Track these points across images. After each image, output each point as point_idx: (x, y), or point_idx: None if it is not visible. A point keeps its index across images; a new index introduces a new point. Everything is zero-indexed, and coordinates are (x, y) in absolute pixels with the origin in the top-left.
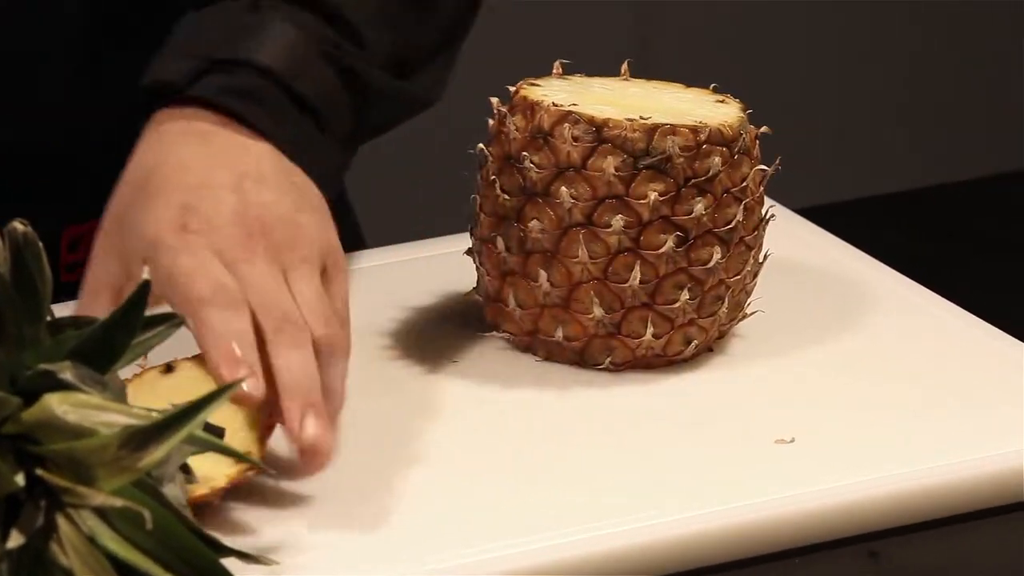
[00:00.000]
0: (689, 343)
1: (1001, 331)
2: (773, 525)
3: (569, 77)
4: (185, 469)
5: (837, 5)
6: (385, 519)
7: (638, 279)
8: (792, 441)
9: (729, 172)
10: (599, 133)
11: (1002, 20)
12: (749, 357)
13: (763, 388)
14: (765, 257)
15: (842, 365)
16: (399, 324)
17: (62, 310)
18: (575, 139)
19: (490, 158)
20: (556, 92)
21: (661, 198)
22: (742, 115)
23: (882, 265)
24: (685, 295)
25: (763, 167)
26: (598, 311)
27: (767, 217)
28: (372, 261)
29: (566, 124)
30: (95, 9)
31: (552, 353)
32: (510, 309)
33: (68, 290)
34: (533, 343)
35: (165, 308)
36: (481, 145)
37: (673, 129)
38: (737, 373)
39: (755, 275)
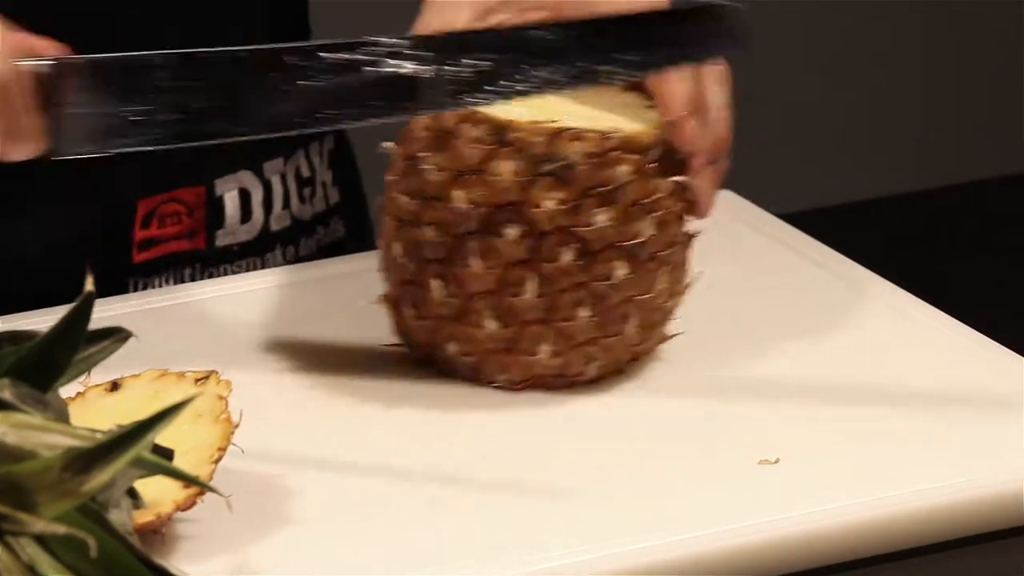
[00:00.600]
0: (591, 363)
1: (993, 341)
2: (756, 550)
3: None
4: (132, 493)
5: (830, 12)
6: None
7: (534, 292)
8: (777, 461)
9: (640, 183)
10: (500, 135)
11: (997, 28)
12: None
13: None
14: (694, 278)
15: (820, 378)
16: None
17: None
18: (475, 140)
19: (396, 158)
20: None
21: (560, 207)
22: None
23: (868, 272)
24: (585, 312)
25: (678, 178)
26: (491, 325)
27: (691, 234)
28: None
29: (468, 123)
30: None
31: (450, 368)
32: (408, 320)
33: (139, 271)
34: (432, 357)
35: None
36: (391, 143)
37: (578, 134)
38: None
39: (675, 295)
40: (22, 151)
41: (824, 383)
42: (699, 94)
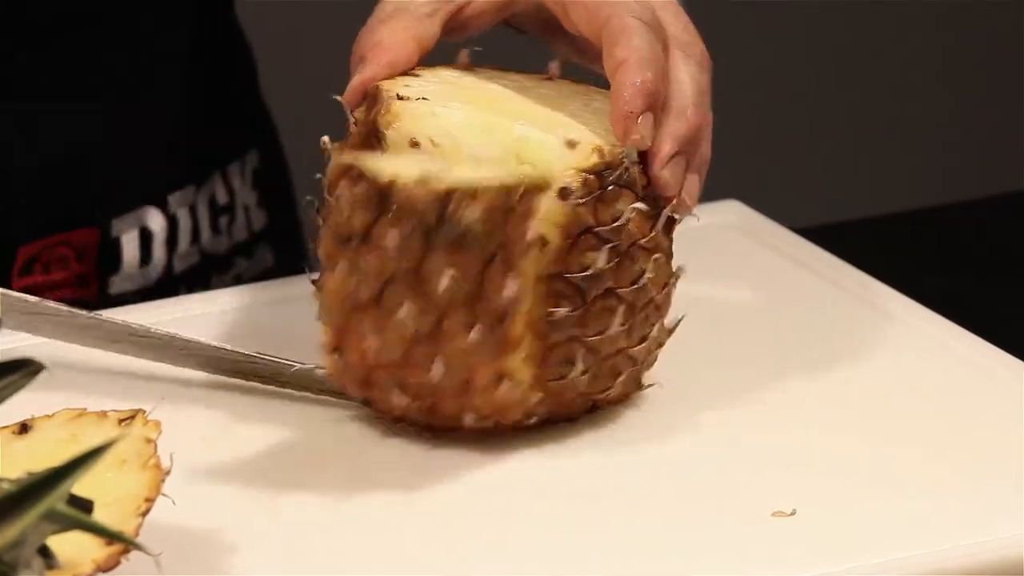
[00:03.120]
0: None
1: None
2: None
3: (475, 69)
4: (45, 552)
5: (838, 34)
6: None
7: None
8: (793, 513)
9: (597, 207)
10: (383, 197)
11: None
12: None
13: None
14: (676, 324)
15: (838, 415)
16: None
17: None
18: (355, 203)
19: (332, 164)
20: (427, 84)
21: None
22: None
23: (895, 292)
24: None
25: (639, 206)
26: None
27: (673, 275)
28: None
29: (346, 180)
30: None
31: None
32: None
33: None
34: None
35: None
36: (326, 138)
37: (474, 193)
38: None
39: (643, 339)
40: None
41: (843, 420)
42: (658, 83)
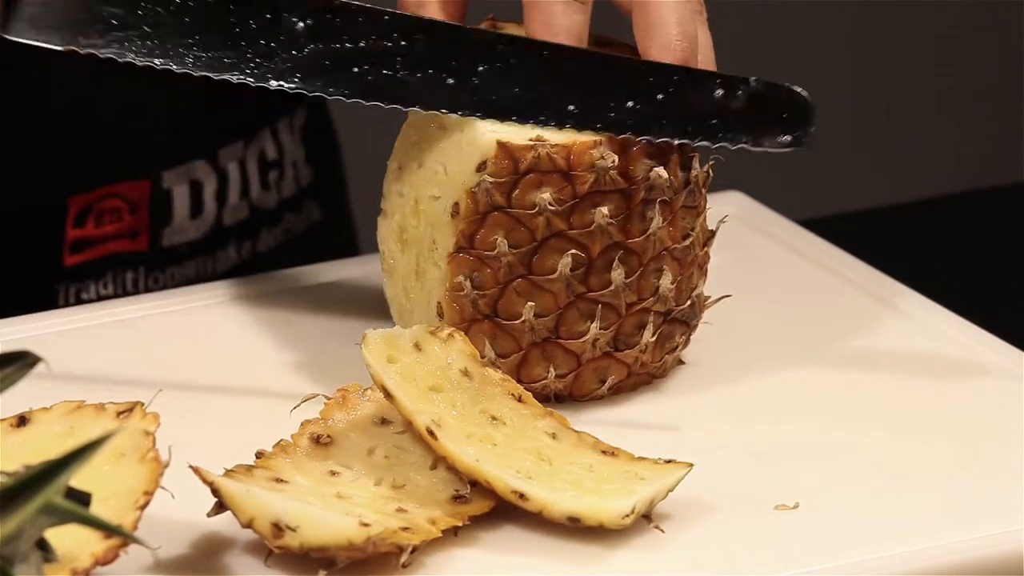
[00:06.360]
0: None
1: None
2: None
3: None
4: (42, 546)
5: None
6: None
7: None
8: (796, 507)
9: (512, 190)
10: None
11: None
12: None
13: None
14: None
15: (843, 409)
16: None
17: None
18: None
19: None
20: None
21: None
22: None
23: (900, 285)
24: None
25: (550, 201)
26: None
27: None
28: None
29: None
30: None
31: None
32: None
33: (71, 276)
34: None
35: None
36: None
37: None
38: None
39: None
40: None
41: (847, 415)
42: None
